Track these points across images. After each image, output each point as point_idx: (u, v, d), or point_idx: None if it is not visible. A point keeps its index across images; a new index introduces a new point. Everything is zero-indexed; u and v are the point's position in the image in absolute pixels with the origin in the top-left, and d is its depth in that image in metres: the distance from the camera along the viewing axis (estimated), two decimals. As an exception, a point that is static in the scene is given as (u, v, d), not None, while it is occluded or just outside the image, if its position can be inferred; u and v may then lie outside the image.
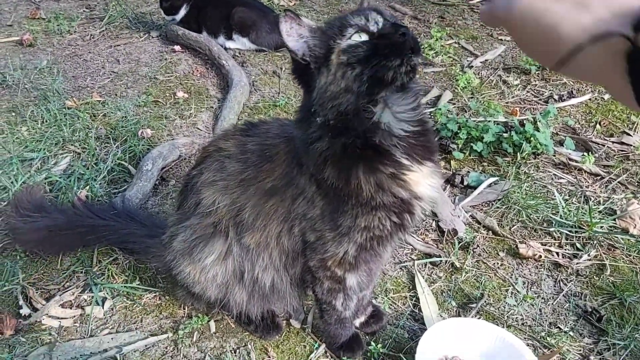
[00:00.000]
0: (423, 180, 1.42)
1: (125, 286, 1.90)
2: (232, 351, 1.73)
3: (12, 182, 2.28)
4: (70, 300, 1.89)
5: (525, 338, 1.73)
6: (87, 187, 2.28)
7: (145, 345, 1.74)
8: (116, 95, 2.88)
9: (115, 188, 2.32)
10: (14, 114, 2.72)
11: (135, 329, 1.80)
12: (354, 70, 1.23)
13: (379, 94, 1.26)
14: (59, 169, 2.41)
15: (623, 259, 1.97)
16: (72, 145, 2.53)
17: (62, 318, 1.84)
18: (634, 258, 1.97)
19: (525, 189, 2.22)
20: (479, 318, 1.79)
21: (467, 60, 3.14)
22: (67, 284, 1.94)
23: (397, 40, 1.20)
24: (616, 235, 2.02)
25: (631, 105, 0.59)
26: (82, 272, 1.98)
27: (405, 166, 1.38)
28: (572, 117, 2.61)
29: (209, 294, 1.65)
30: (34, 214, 2.00)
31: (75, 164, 2.41)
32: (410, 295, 1.88)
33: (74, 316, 1.84)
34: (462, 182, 2.30)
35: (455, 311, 1.83)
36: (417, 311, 1.83)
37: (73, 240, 1.99)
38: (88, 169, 2.37)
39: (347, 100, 1.26)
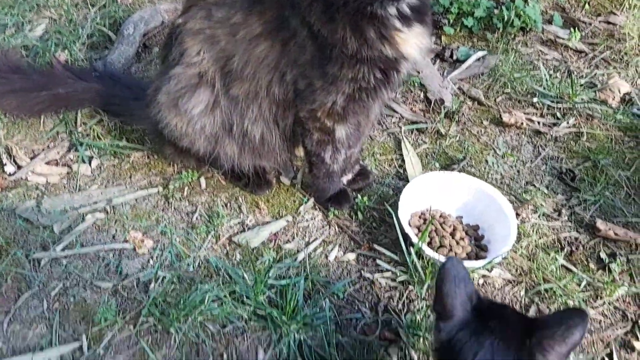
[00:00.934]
0: (412, 40, 1.43)
1: (112, 145, 1.90)
2: (224, 205, 1.77)
3: (-15, 47, 2.19)
4: (56, 159, 1.88)
5: (502, 194, 1.82)
6: (66, 51, 2.20)
7: (136, 199, 1.77)
8: (91, -39, 2.71)
9: (95, 54, 2.25)
10: (-19, -22, 2.55)
11: (125, 184, 1.81)
12: None
13: None
14: (35, 34, 2.31)
15: (600, 127, 2.05)
16: (47, 10, 2.42)
17: (48, 175, 1.84)
18: (610, 126, 2.04)
19: (512, 63, 2.24)
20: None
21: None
22: (52, 144, 1.93)
23: None
24: (595, 106, 2.08)
25: None
26: (66, 133, 1.95)
27: (396, 27, 1.38)
28: (561, -3, 2.60)
29: (197, 146, 1.66)
30: (11, 75, 1.94)
31: (52, 29, 2.31)
32: (396, 157, 1.93)
33: (61, 174, 1.84)
34: (451, 56, 2.30)
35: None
36: (402, 171, 1.88)
37: (54, 102, 1.94)
38: (66, 33, 2.28)
39: None
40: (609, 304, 1.59)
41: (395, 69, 1.46)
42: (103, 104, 1.98)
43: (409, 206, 1.68)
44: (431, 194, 1.72)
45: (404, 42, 1.40)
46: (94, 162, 1.87)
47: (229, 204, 1.77)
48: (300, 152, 1.80)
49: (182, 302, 1.45)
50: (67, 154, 1.90)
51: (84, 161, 1.86)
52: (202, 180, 1.83)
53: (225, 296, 1.48)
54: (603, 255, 1.66)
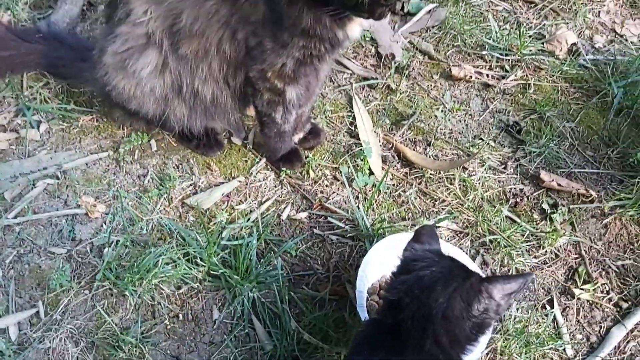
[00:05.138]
0: (358, 26, 1.48)
1: (60, 108, 1.86)
2: (175, 167, 1.78)
3: None
4: (4, 125, 1.84)
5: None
6: (9, 12, 2.11)
7: (86, 163, 1.76)
8: None
9: (39, 13, 2.16)
10: None
11: (74, 149, 1.80)
12: None
13: None
14: (-29, -7, 2.20)
15: (547, 79, 2.09)
16: (-18, -33, 2.29)
17: (-4, 141, 1.82)
18: (556, 78, 2.09)
19: (462, 15, 2.24)
20: (410, 133, 1.90)
21: None
22: (-2, 110, 1.88)
23: None
24: (543, 57, 2.12)
25: None
26: (12, 98, 1.91)
27: (349, 16, 1.41)
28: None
29: (146, 108, 1.64)
30: (-51, 38, 1.86)
31: (-10, -13, 2.20)
32: (347, 114, 1.95)
33: (9, 139, 1.81)
34: (402, 9, 2.29)
35: (389, 128, 1.92)
36: (353, 128, 1.90)
37: (-3, 65, 1.89)
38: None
39: None
40: (551, 252, 1.68)
41: (340, 45, 1.52)
42: (49, 66, 1.92)
43: (368, 273, 1.48)
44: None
45: (352, 29, 1.47)
46: (42, 127, 1.84)
47: (180, 166, 1.78)
48: (251, 111, 1.81)
49: (136, 265, 1.48)
50: (14, 118, 1.86)
51: (32, 126, 1.83)
52: (153, 143, 1.82)
53: (179, 258, 1.51)
54: (546, 206, 1.74)
